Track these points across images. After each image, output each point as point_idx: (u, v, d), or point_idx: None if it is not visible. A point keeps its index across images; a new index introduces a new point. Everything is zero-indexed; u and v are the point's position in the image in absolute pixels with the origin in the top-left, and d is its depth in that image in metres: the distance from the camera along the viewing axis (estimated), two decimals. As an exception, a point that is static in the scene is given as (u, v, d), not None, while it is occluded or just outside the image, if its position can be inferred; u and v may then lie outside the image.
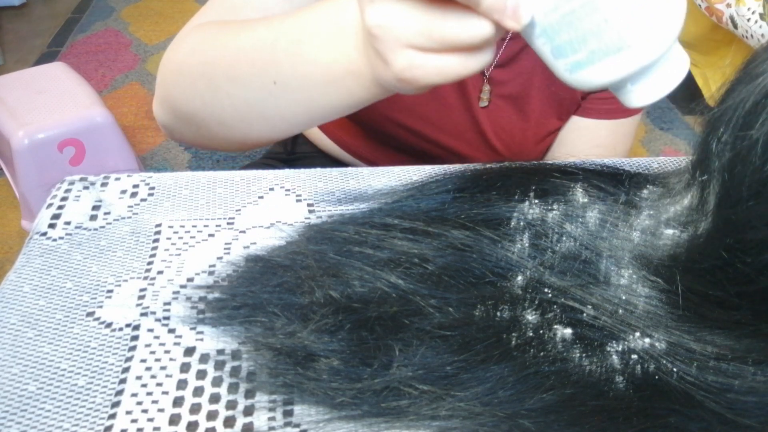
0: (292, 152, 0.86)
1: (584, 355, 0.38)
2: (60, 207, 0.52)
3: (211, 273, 0.46)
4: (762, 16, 1.54)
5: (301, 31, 0.48)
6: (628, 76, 0.36)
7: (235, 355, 0.41)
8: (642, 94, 0.37)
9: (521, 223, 0.45)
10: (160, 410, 0.38)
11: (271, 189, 0.54)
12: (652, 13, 0.34)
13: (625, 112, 0.77)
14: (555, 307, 0.40)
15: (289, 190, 0.54)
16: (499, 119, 0.75)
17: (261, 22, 0.52)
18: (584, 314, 0.40)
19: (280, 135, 0.56)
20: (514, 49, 0.71)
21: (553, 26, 0.35)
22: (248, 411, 0.38)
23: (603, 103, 0.76)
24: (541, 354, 0.38)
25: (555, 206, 0.46)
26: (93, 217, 0.51)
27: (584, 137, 0.78)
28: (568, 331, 0.39)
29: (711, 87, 1.93)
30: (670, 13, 0.34)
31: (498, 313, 0.40)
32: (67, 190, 0.53)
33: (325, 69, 0.47)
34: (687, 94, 2.07)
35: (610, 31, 0.34)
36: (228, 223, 0.51)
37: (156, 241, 0.49)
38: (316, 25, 0.47)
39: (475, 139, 0.77)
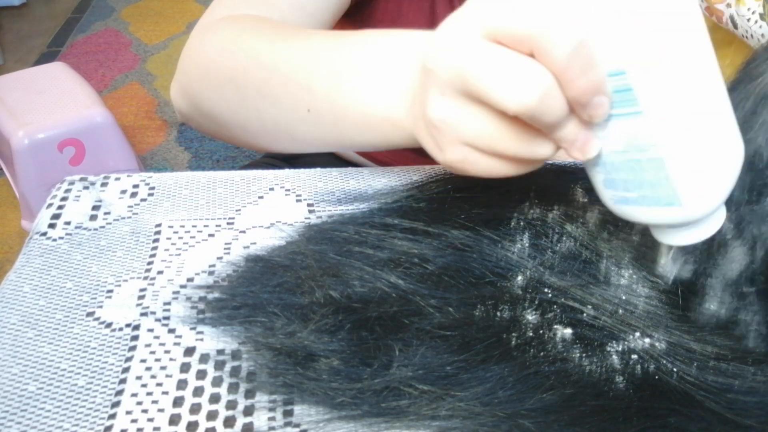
0: None
1: (584, 355, 0.38)
2: (60, 207, 0.52)
3: (211, 273, 0.46)
4: (762, 16, 1.54)
5: (343, 63, 0.46)
6: (670, 225, 0.37)
7: (235, 355, 0.41)
8: (676, 238, 0.38)
9: (521, 223, 0.45)
10: (160, 410, 0.38)
11: (271, 189, 0.54)
12: (710, 179, 0.35)
13: None
14: (555, 307, 0.40)
15: (289, 190, 0.54)
16: None
17: (300, 35, 0.50)
18: (584, 314, 0.40)
19: (300, 151, 0.54)
20: None
21: (615, 164, 0.35)
22: (248, 411, 0.38)
23: None
24: (541, 354, 0.38)
25: (555, 206, 0.46)
26: (93, 217, 0.51)
27: None
28: (568, 331, 0.39)
29: (711, 87, 1.93)
30: (725, 180, 0.35)
31: (498, 313, 0.40)
32: (67, 190, 0.53)
33: (363, 111, 0.45)
34: (687, 94, 2.07)
35: (667, 188, 0.34)
36: (228, 223, 0.51)
37: (156, 241, 0.49)
38: (361, 60, 0.45)
39: None
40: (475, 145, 0.37)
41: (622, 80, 0.32)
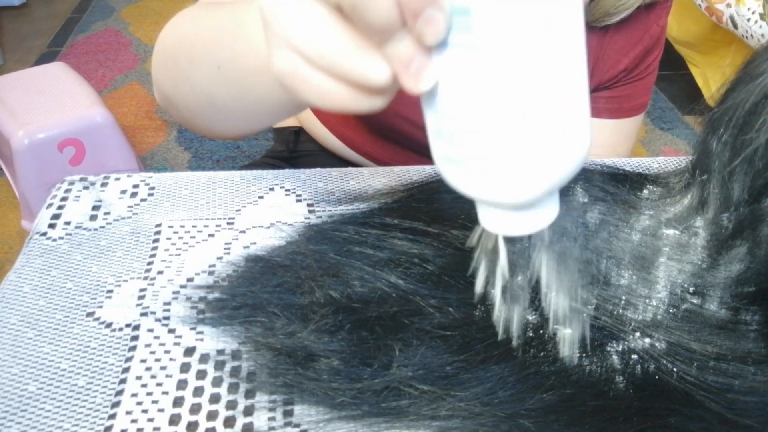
0: (294, 150, 0.86)
1: (584, 355, 0.38)
2: (60, 207, 0.52)
3: (211, 273, 0.46)
4: (762, 16, 1.54)
5: (244, 13, 0.45)
6: (490, 203, 0.33)
7: (235, 355, 0.41)
8: (494, 222, 0.33)
9: (521, 223, 0.45)
10: (160, 410, 0.38)
11: (271, 189, 0.54)
12: (540, 161, 0.29)
13: (628, 112, 0.77)
14: (555, 306, 0.40)
15: (289, 190, 0.54)
16: None
17: (223, 5, 0.50)
18: (584, 314, 0.40)
19: (237, 130, 0.55)
20: None
21: (445, 110, 0.30)
22: (248, 411, 0.38)
23: (607, 102, 0.76)
24: (541, 354, 0.38)
25: (555, 206, 0.46)
26: (93, 217, 0.51)
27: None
28: (568, 331, 0.39)
29: (711, 87, 1.93)
30: (558, 169, 0.30)
31: (498, 313, 0.40)
32: (67, 190, 0.53)
33: (256, 55, 0.43)
34: (687, 94, 2.07)
35: (491, 156, 0.30)
36: (228, 223, 0.51)
37: (156, 241, 0.49)
38: (249, 10, 0.44)
39: None
40: (303, 51, 0.33)
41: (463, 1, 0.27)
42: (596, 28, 0.71)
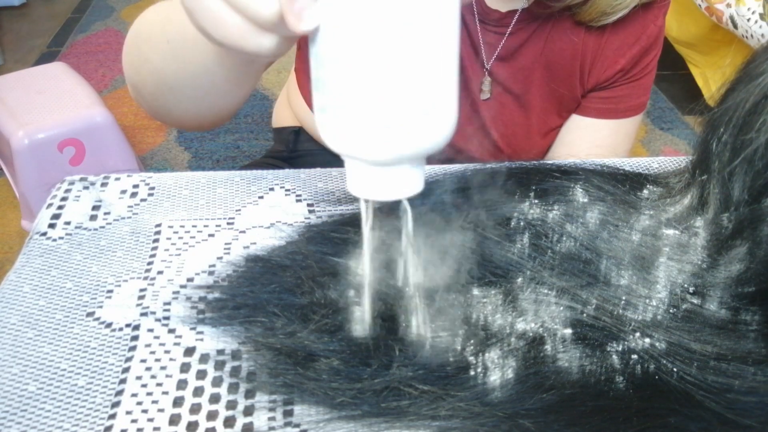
0: (294, 150, 0.86)
1: (584, 355, 0.38)
2: (60, 207, 0.52)
3: (211, 273, 0.46)
4: (762, 16, 1.54)
5: None
6: (348, 156, 0.33)
7: (235, 355, 0.41)
8: (356, 181, 0.34)
9: (521, 223, 0.45)
10: (160, 410, 0.38)
11: (271, 189, 0.54)
12: (400, 121, 0.30)
13: (626, 112, 0.77)
14: (555, 307, 0.40)
15: (289, 190, 0.54)
16: (501, 113, 0.75)
17: None
18: (584, 314, 0.40)
19: (186, 114, 0.58)
20: (514, 44, 0.71)
21: (323, 56, 0.31)
22: (248, 411, 0.38)
23: (604, 102, 0.76)
24: (541, 354, 0.38)
25: (555, 206, 0.46)
26: (93, 217, 0.51)
27: (585, 137, 0.78)
28: (568, 331, 0.39)
29: (711, 87, 1.93)
30: (419, 135, 0.31)
31: (498, 314, 0.40)
32: (67, 190, 0.53)
33: (195, 32, 0.44)
34: (687, 94, 2.07)
35: (358, 107, 0.30)
36: (228, 223, 0.51)
37: (156, 241, 0.49)
38: None
39: (477, 133, 0.77)
40: None
41: None
42: (593, 28, 0.71)
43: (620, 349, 0.39)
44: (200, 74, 0.51)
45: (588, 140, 0.78)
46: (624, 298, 0.41)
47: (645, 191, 0.47)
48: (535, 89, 0.74)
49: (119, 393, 0.39)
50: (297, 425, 0.37)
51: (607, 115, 0.77)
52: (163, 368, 0.40)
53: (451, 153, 0.79)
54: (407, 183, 0.33)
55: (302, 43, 0.74)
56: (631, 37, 0.72)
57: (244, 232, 0.50)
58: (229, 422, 0.37)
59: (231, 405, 0.38)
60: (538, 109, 0.75)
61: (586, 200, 0.46)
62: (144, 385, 0.39)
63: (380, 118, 0.30)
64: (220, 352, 0.41)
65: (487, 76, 0.73)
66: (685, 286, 0.41)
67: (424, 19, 0.29)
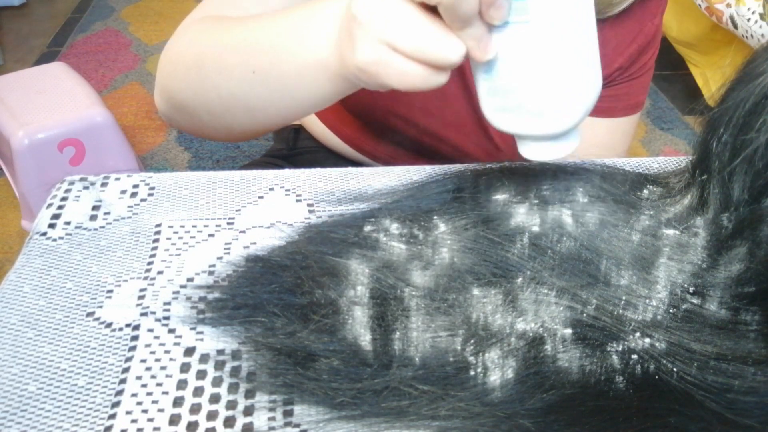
0: (293, 148, 0.87)
1: (584, 355, 0.38)
2: (60, 207, 0.52)
3: (211, 273, 0.46)
4: (762, 16, 1.54)
5: (285, 25, 0.51)
6: (535, 136, 0.44)
7: (235, 355, 0.41)
8: (538, 152, 0.45)
9: (521, 224, 0.45)
10: (160, 410, 0.38)
11: (271, 189, 0.54)
12: (573, 98, 0.43)
13: (624, 110, 0.77)
14: (555, 307, 0.40)
15: (289, 190, 0.54)
16: None
17: (254, 17, 0.55)
18: (584, 314, 0.40)
19: (261, 127, 0.58)
20: None
21: (501, 72, 0.42)
22: (248, 411, 0.38)
23: (602, 101, 0.76)
24: (541, 354, 0.38)
25: (555, 206, 0.46)
26: (93, 217, 0.51)
27: (584, 136, 0.78)
28: (568, 331, 0.39)
29: (711, 87, 1.93)
30: (584, 103, 0.43)
31: (498, 314, 0.40)
32: (67, 190, 0.53)
33: (300, 61, 0.49)
34: (687, 94, 2.07)
35: (539, 99, 0.42)
36: (228, 223, 0.51)
37: (156, 241, 0.49)
38: (299, 20, 0.50)
39: (476, 132, 0.77)
40: (390, 42, 0.41)
41: None
42: None
43: (620, 349, 0.39)
44: (298, 99, 0.53)
45: (587, 139, 0.78)
46: (624, 298, 0.41)
47: (645, 191, 0.47)
48: None
49: (119, 393, 0.39)
50: (297, 425, 0.37)
51: (606, 113, 0.77)
52: (163, 368, 0.40)
53: (450, 151, 0.79)
54: (573, 141, 0.45)
55: None
56: (629, 36, 0.72)
57: (244, 232, 0.50)
58: (229, 422, 0.37)
59: (231, 405, 0.38)
60: None
61: (586, 200, 0.46)
62: (144, 385, 0.39)
63: (558, 102, 0.42)
64: (220, 352, 0.41)
65: None
66: (685, 286, 0.41)
67: (579, 27, 0.41)
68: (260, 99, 0.54)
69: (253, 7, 0.60)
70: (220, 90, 0.55)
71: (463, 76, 0.72)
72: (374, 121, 0.78)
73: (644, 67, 0.75)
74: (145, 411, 0.38)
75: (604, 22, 0.70)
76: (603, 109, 0.77)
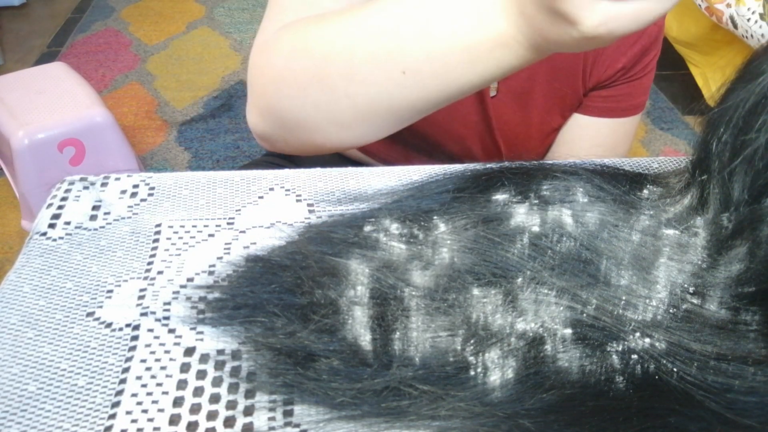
0: None
1: (584, 355, 0.38)
2: (60, 207, 0.52)
3: (211, 273, 0.46)
4: (762, 16, 1.54)
5: (430, 11, 0.45)
6: None
7: (235, 355, 0.41)
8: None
9: (521, 224, 0.45)
10: (160, 410, 0.38)
11: (271, 189, 0.54)
12: None
13: (626, 111, 0.77)
14: (555, 307, 0.40)
15: (289, 190, 0.54)
16: (505, 112, 0.75)
17: (367, 10, 0.48)
18: (584, 314, 0.40)
19: (401, 127, 0.53)
20: None
21: None
22: (248, 411, 0.38)
23: (605, 101, 0.77)
24: (541, 354, 0.38)
25: (555, 206, 0.46)
26: (93, 217, 0.51)
27: (585, 136, 0.78)
28: (568, 331, 0.39)
29: (711, 87, 1.93)
30: None
31: (498, 314, 0.40)
32: (67, 190, 0.53)
33: (468, 46, 0.44)
34: (687, 94, 2.07)
35: None
36: (228, 223, 0.51)
37: (156, 241, 0.49)
38: (449, 2, 0.44)
39: (482, 131, 0.77)
40: None
41: None
42: None
43: (620, 349, 0.39)
44: (466, 85, 0.47)
45: (588, 139, 0.78)
46: (624, 298, 0.41)
47: (645, 191, 0.47)
48: (538, 88, 0.74)
49: (119, 393, 0.39)
50: (297, 425, 0.37)
51: (608, 113, 0.77)
52: (163, 368, 0.40)
53: (454, 149, 0.79)
54: None
55: None
56: (632, 37, 0.72)
57: (244, 232, 0.50)
58: (229, 422, 0.37)
59: (231, 405, 0.38)
60: (541, 109, 0.76)
61: (586, 200, 0.46)
62: (144, 385, 0.39)
63: None
64: (220, 352, 0.41)
65: None
66: (685, 286, 0.41)
67: None
68: (411, 98, 0.48)
69: (335, 4, 0.53)
70: (355, 99, 0.49)
71: None
72: None
73: (646, 68, 0.76)
74: (145, 411, 0.38)
75: None
76: (606, 109, 0.77)
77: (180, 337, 0.42)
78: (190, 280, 0.46)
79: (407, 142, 0.79)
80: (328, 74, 0.49)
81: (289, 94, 0.53)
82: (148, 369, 0.40)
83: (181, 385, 0.39)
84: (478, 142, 0.78)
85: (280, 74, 0.53)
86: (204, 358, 0.41)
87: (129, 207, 0.52)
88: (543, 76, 0.74)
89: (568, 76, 0.74)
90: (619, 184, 0.47)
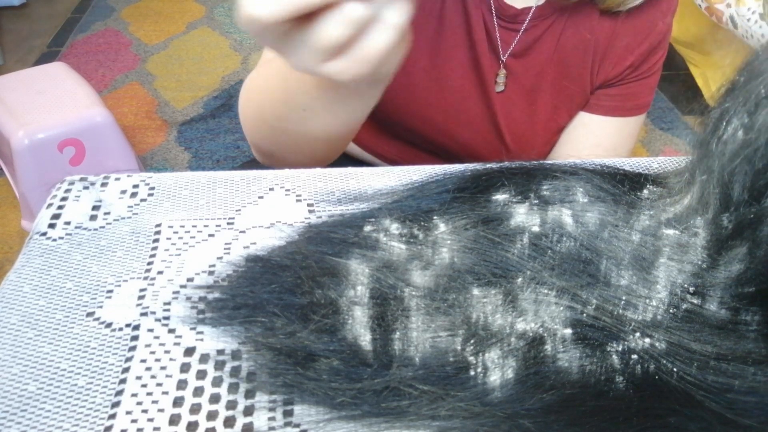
0: None
1: (584, 355, 0.38)
2: (60, 207, 0.52)
3: (211, 273, 0.46)
4: (762, 16, 1.54)
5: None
6: None
7: (235, 355, 0.41)
8: None
9: (521, 224, 0.45)
10: (160, 410, 0.38)
11: (271, 189, 0.54)
12: None
13: (632, 110, 0.77)
14: (555, 307, 0.40)
15: (289, 190, 0.54)
16: (512, 109, 0.76)
17: (276, 61, 0.57)
18: (584, 314, 0.40)
19: (338, 148, 0.62)
20: (528, 41, 0.72)
21: None
22: (248, 411, 0.38)
23: (611, 99, 0.77)
24: (541, 354, 0.38)
25: (555, 206, 0.46)
26: (93, 217, 0.51)
27: (589, 134, 0.78)
28: (568, 331, 0.39)
29: (711, 87, 1.93)
30: None
31: (498, 314, 0.40)
32: (67, 190, 0.53)
33: (315, 96, 0.52)
34: (687, 94, 2.07)
35: None
36: (228, 223, 0.51)
37: (156, 241, 0.49)
38: None
39: (487, 129, 0.77)
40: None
41: None
42: (605, 24, 0.71)
43: (620, 349, 0.39)
44: (348, 120, 0.55)
45: (592, 138, 0.78)
46: (624, 298, 0.41)
47: (645, 191, 0.47)
48: (547, 86, 0.74)
49: (119, 393, 0.39)
50: (297, 425, 0.37)
51: (614, 112, 0.77)
52: (163, 368, 0.40)
53: (458, 149, 0.80)
54: None
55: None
56: (641, 35, 0.72)
57: (244, 232, 0.50)
58: (229, 422, 0.37)
59: (231, 405, 0.38)
60: (549, 106, 0.76)
61: (586, 200, 0.46)
62: (144, 385, 0.39)
63: None
64: (220, 352, 0.41)
65: (502, 69, 0.73)
66: (685, 286, 0.41)
67: None
68: (319, 128, 0.56)
69: None
70: (288, 136, 0.58)
71: (479, 71, 0.73)
72: (390, 122, 0.78)
73: (653, 68, 0.76)
74: (145, 411, 0.38)
75: (617, 15, 0.71)
76: (612, 107, 0.77)
77: (180, 337, 0.42)
78: (190, 280, 0.46)
79: (414, 144, 0.80)
80: (266, 116, 0.60)
81: (255, 131, 0.64)
82: (148, 369, 0.40)
83: (181, 385, 0.39)
84: (486, 144, 0.78)
85: (246, 115, 0.65)
86: (204, 358, 0.41)
87: (129, 207, 0.52)
88: (552, 74, 0.74)
89: (577, 73, 0.74)
90: (619, 184, 0.47)
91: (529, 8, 0.71)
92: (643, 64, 0.74)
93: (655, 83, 0.78)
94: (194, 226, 0.50)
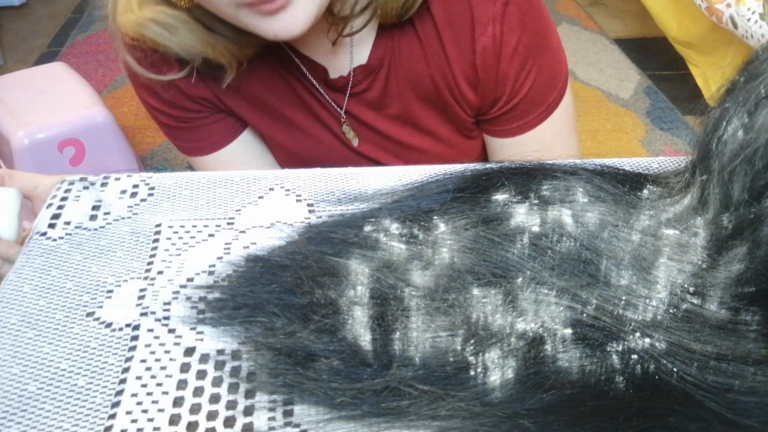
0: None
1: (584, 355, 0.38)
2: (60, 207, 0.52)
3: (211, 273, 0.46)
4: (762, 16, 1.54)
5: None
6: None
7: (235, 355, 0.41)
8: None
9: (521, 223, 0.45)
10: (160, 410, 0.38)
11: (271, 189, 0.54)
12: None
13: (538, 118, 0.73)
14: (555, 307, 0.40)
15: (289, 190, 0.54)
16: (380, 153, 0.76)
17: None
18: (584, 314, 0.40)
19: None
20: (374, 93, 0.71)
21: None
22: (248, 411, 0.38)
23: (508, 122, 0.73)
24: (541, 354, 0.38)
25: (555, 206, 0.46)
26: (93, 217, 0.51)
27: (513, 152, 0.75)
28: (568, 331, 0.39)
29: (711, 87, 1.93)
30: None
31: (498, 314, 0.40)
32: (67, 190, 0.53)
33: None
34: (687, 94, 2.07)
35: None
36: (228, 223, 0.51)
37: (156, 241, 0.49)
38: None
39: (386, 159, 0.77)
40: None
41: None
42: (429, 53, 0.68)
43: (620, 349, 0.39)
44: None
45: (518, 154, 0.74)
46: (624, 298, 0.41)
47: (645, 191, 0.47)
48: (424, 114, 0.72)
49: (119, 393, 0.39)
50: (297, 425, 0.37)
51: (520, 131, 0.73)
52: (163, 368, 0.40)
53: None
54: None
55: None
56: (466, 62, 0.68)
57: (244, 232, 0.50)
58: (229, 422, 0.37)
59: (231, 405, 0.38)
60: (429, 122, 0.73)
61: (586, 200, 0.46)
62: (144, 385, 0.39)
63: None
64: (220, 352, 0.41)
65: (345, 125, 0.74)
66: (685, 286, 0.41)
67: None
68: None
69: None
70: None
71: (334, 133, 0.74)
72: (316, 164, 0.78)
73: (521, 80, 0.69)
74: (145, 411, 0.38)
75: (440, 40, 0.67)
76: (516, 128, 0.73)
77: (180, 337, 0.42)
78: (190, 280, 0.46)
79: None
80: None
81: None
82: (148, 369, 0.40)
83: (181, 385, 0.39)
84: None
85: None
86: (204, 358, 0.41)
87: (129, 207, 0.52)
88: (419, 106, 0.71)
89: (439, 101, 0.71)
90: (619, 184, 0.47)
91: (349, 74, 0.69)
92: (511, 84, 0.69)
93: (542, 86, 0.71)
94: (194, 226, 0.50)
